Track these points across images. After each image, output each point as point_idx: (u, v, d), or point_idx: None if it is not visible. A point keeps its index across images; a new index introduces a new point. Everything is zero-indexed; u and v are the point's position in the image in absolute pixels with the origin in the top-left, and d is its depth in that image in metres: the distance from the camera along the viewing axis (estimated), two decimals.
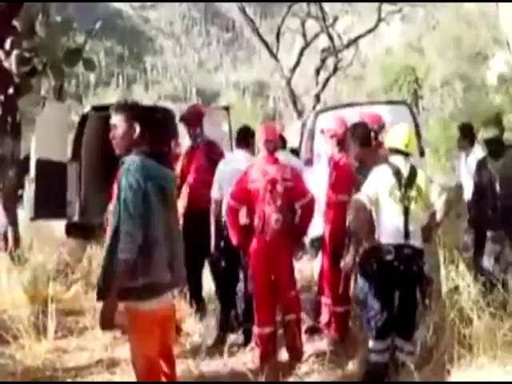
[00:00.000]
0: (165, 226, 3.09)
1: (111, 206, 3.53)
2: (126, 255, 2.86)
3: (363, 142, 4.61)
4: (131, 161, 2.99)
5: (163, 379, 3.20)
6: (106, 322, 2.94)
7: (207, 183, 5.16)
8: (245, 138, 5.02)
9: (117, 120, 3.08)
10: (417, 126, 6.79)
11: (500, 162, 5.09)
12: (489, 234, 5.06)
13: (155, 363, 3.14)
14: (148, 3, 37.82)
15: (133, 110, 3.13)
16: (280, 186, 4.32)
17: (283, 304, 4.44)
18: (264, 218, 4.30)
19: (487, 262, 4.96)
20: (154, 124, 4.67)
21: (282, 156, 5.14)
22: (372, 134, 5.25)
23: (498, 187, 5.03)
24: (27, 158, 6.97)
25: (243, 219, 4.49)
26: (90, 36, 7.00)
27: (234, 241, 4.56)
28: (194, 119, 5.33)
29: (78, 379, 4.26)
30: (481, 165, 5.29)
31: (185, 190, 5.28)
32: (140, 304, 2.99)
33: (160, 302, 3.08)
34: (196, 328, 5.07)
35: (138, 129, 3.06)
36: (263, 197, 4.31)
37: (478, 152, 6.71)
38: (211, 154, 5.30)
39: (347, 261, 4.24)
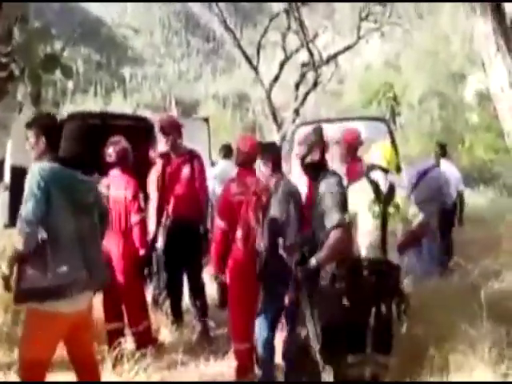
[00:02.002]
0: (76, 229, 3.17)
1: None
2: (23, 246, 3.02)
3: (273, 162, 4.28)
4: (38, 164, 3.22)
5: None
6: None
7: (192, 193, 5.17)
8: None
9: (28, 133, 3.41)
10: (394, 143, 6.86)
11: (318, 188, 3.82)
12: None
13: (40, 370, 3.13)
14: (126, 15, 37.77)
15: (41, 124, 3.42)
16: (264, 197, 4.25)
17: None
18: (248, 229, 4.19)
19: None
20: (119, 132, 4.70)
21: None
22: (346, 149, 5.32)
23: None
24: (2, 164, 6.83)
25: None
26: (68, 43, 6.91)
27: (213, 260, 4.46)
28: (174, 130, 5.29)
29: None
30: None
31: (172, 200, 5.24)
32: (46, 304, 3.02)
33: (70, 304, 3.07)
34: (171, 338, 5.02)
35: (44, 140, 3.33)
36: (246, 208, 4.21)
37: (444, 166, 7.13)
38: (195, 164, 5.29)
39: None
